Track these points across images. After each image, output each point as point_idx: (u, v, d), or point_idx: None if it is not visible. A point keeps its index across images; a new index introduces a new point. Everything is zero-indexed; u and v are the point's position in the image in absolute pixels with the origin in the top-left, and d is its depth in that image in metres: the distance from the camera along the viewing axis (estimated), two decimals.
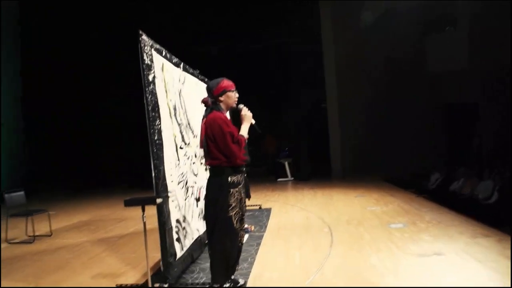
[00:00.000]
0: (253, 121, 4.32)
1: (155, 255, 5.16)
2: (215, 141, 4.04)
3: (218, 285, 4.13)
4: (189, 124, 5.80)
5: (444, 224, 7.15)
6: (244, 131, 4.21)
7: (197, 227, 5.79)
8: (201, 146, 4.19)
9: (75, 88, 17.72)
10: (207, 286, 4.53)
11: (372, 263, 5.18)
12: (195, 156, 5.98)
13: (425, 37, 16.53)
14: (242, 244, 4.43)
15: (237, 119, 4.34)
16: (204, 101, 4.27)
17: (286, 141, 17.65)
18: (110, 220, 9.67)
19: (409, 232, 6.64)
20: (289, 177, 16.05)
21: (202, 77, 6.96)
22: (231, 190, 4.10)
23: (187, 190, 5.47)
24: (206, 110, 4.24)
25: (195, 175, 5.89)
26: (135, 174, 15.73)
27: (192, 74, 6.42)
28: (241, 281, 4.55)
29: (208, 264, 4.40)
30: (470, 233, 6.43)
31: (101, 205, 12.32)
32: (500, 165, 11.92)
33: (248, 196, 6.95)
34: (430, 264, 4.99)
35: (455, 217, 7.77)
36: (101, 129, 18.15)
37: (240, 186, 4.21)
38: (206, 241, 5.89)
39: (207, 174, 4.33)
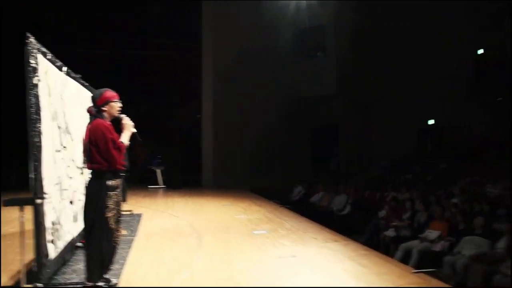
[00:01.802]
0: (134, 130, 4.59)
1: (25, 257, 5.14)
2: (97, 147, 4.24)
3: (92, 284, 4.32)
4: (67, 128, 5.86)
5: (302, 231, 7.91)
6: (124, 138, 4.47)
7: (69, 229, 5.83)
8: (84, 151, 4.39)
9: None
10: (80, 285, 4.66)
11: (237, 265, 5.67)
12: (72, 160, 6.04)
13: (299, 61, 17.77)
14: (117, 245, 4.65)
15: (119, 128, 4.58)
16: (88, 111, 4.47)
17: (159, 149, 17.74)
18: None
19: (271, 238, 7.26)
20: (161, 185, 16.20)
21: (83, 81, 7.01)
22: (110, 193, 4.32)
23: (62, 193, 5.52)
24: (90, 118, 4.45)
25: (70, 178, 5.94)
26: None
27: (74, 78, 6.47)
28: (114, 281, 4.75)
29: (79, 266, 4.54)
30: (323, 239, 7.23)
31: None
32: (353, 181, 13.32)
33: (124, 200, 7.12)
34: (287, 265, 5.60)
35: (312, 225, 8.61)
36: None
37: (118, 190, 4.46)
38: (77, 244, 5.98)
39: (82, 178, 4.51)
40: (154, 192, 14.97)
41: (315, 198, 11.94)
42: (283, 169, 16.04)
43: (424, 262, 7.19)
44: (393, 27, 18.91)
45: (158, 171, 16.31)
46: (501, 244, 6.42)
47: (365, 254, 6.15)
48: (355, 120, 18.29)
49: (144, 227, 8.31)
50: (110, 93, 4.49)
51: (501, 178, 11.51)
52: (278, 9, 17.11)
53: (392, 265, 5.67)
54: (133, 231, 7.79)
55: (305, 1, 17.44)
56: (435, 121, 19.95)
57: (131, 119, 4.58)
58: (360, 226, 9.86)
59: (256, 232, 7.79)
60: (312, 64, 18.07)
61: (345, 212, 10.59)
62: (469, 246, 6.72)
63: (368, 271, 5.27)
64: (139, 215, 9.54)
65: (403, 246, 7.71)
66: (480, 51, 20.55)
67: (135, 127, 4.59)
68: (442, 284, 5.07)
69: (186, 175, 16.90)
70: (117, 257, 5.75)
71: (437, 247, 7.25)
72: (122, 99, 4.61)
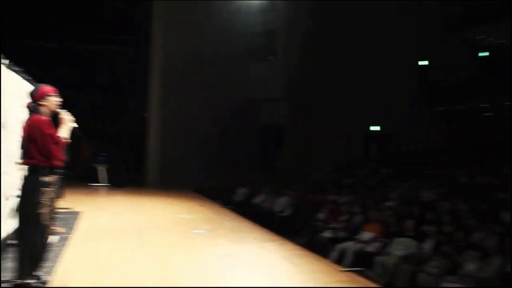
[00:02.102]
0: (74, 125, 4.54)
1: None
2: (35, 142, 4.16)
3: (21, 281, 4.24)
4: (3, 122, 5.71)
5: (241, 231, 8.03)
6: (62, 133, 4.41)
7: (4, 226, 5.69)
8: (22, 146, 4.32)
9: None
10: (10, 283, 4.56)
11: (174, 264, 5.69)
12: (7, 155, 5.90)
13: (249, 64, 17.93)
14: (50, 242, 4.58)
15: (57, 123, 4.53)
16: (27, 106, 4.41)
17: (103, 147, 17.43)
18: None
19: (210, 237, 7.33)
20: (104, 183, 15.92)
21: (25, 75, 6.84)
22: (44, 189, 4.23)
23: None
24: (29, 113, 4.38)
25: (6, 173, 5.81)
26: None
27: (16, 72, 6.31)
28: (45, 278, 4.67)
29: (9, 264, 4.47)
30: (261, 239, 7.37)
31: None
32: (297, 184, 13.57)
33: (61, 197, 6.99)
34: (224, 264, 5.68)
35: (252, 226, 8.74)
36: None
37: (54, 186, 4.37)
38: (10, 241, 5.83)
39: (19, 174, 4.43)
40: (97, 190, 14.72)
41: (258, 199, 12.08)
42: (229, 170, 16.11)
43: (358, 262, 7.46)
44: (344, 35, 19.38)
45: (102, 169, 16.02)
46: (427, 245, 6.76)
47: (299, 254, 6.34)
48: (302, 123, 18.60)
49: (82, 225, 8.17)
50: (47, 88, 4.43)
51: (436, 184, 12.06)
52: (229, 12, 17.22)
53: (323, 264, 5.87)
54: (70, 229, 7.66)
55: (256, 5, 17.66)
56: (380, 128, 20.57)
57: (74, 115, 4.53)
58: (300, 228, 10.06)
59: (196, 231, 7.84)
60: (262, 68, 18.27)
61: (286, 213, 10.78)
62: (399, 247, 7.02)
63: (299, 270, 5.44)
64: (77, 213, 9.38)
65: (339, 247, 7.94)
66: (425, 62, 21.43)
67: (78, 122, 4.56)
68: (367, 282, 5.31)
69: (131, 173, 16.69)
70: (51, 254, 5.67)
71: (371, 248, 7.53)
72: (67, 94, 4.57)
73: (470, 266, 5.82)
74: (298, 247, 6.95)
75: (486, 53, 23.52)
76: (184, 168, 16.36)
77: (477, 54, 23.38)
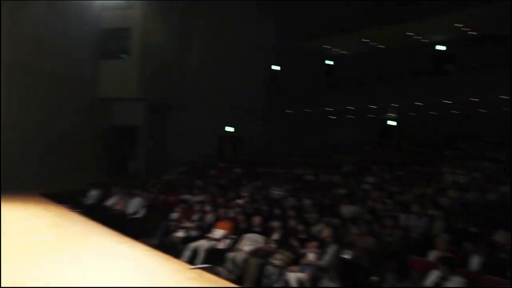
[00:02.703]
0: None
1: None
2: None
3: None
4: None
5: (88, 234, 7.76)
6: None
7: None
8: None
9: None
10: None
11: (17, 272, 5.31)
12: None
13: (101, 61, 17.24)
14: None
15: None
16: None
17: None
18: None
19: (54, 243, 6.97)
20: None
21: None
22: None
23: None
24: None
25: None
26: None
27: None
28: None
29: None
30: (110, 242, 7.21)
31: None
32: (150, 184, 13.45)
33: None
34: (70, 268, 5.47)
35: (101, 229, 8.48)
36: None
37: None
38: None
39: None
40: None
41: (109, 201, 11.72)
42: (80, 172, 15.37)
43: (211, 260, 7.65)
44: (200, 36, 19.67)
45: None
46: (274, 239, 7.18)
47: (149, 255, 6.32)
48: (156, 124, 18.46)
49: None
50: None
51: (285, 182, 12.80)
52: (81, 7, 16.48)
53: (173, 264, 5.94)
54: None
55: (111, 2, 17.11)
56: (234, 129, 21.18)
57: None
58: (153, 229, 10.00)
59: (39, 238, 7.39)
60: (115, 66, 17.68)
61: (139, 215, 10.63)
62: (248, 242, 7.35)
63: (148, 270, 5.44)
64: None
65: (191, 246, 8.05)
66: (277, 67, 22.58)
67: None
68: (214, 278, 5.51)
69: None
70: None
71: (222, 245, 7.77)
72: None
73: (311, 256, 6.32)
74: (149, 248, 6.92)
75: (331, 62, 25.67)
76: (28, 171, 15.17)
77: (325, 62, 25.38)
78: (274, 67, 22.83)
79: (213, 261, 7.59)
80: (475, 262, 5.55)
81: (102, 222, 9.34)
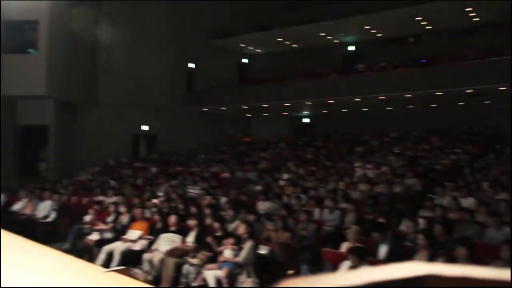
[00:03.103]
0: None
1: None
2: None
3: None
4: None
5: None
6: None
7: None
8: None
9: None
10: None
11: None
12: None
13: (4, 56, 16.04)
14: None
15: None
16: None
17: None
18: None
19: None
20: None
21: None
22: None
23: None
24: None
25: None
26: None
27: None
28: None
29: None
30: (17, 249, 6.82)
31: None
32: (61, 186, 12.91)
33: None
34: None
35: (6, 236, 7.99)
36: None
37: None
38: None
39: None
40: None
41: (17, 206, 11.09)
42: None
43: (127, 262, 7.48)
44: (114, 33, 19.05)
45: None
46: (190, 238, 7.16)
47: (60, 260, 6.05)
48: (67, 123, 17.70)
49: None
50: None
51: (201, 180, 12.77)
52: None
53: (84, 267, 5.74)
54: None
55: None
56: (149, 128, 20.82)
57: None
58: (65, 233, 9.61)
59: None
60: (21, 61, 16.51)
61: (50, 219, 10.16)
62: (165, 242, 7.28)
63: (59, 276, 5.22)
64: None
65: (106, 248, 7.84)
66: (192, 65, 22.47)
67: None
68: (129, 279, 5.39)
69: None
70: None
71: (138, 246, 7.62)
72: None
73: (227, 253, 6.37)
74: (59, 253, 6.62)
75: (246, 60, 25.99)
76: None
77: (240, 60, 25.63)
78: (190, 65, 22.70)
79: (129, 263, 7.44)
80: (382, 250, 5.85)
81: (8, 228, 8.82)
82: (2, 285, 3.88)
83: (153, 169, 15.78)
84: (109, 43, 18.96)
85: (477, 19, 18.92)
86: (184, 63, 22.38)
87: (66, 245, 9.00)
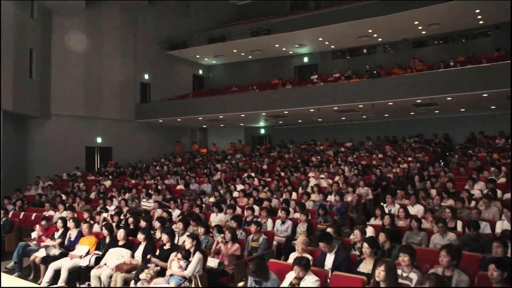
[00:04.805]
0: None
1: None
2: None
3: None
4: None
5: None
6: None
7: None
8: None
9: None
10: None
11: None
12: None
13: None
14: None
15: None
16: None
17: None
18: None
19: None
20: None
21: None
22: None
23: None
24: None
25: None
26: None
27: None
28: None
29: None
30: None
31: None
32: (7, 202, 12.50)
33: None
34: None
35: None
36: None
37: None
38: None
39: None
40: None
41: None
42: None
43: (74, 279, 7.29)
44: (66, 43, 18.68)
45: None
46: (138, 252, 7.06)
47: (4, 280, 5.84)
48: (18, 136, 17.15)
49: None
50: None
51: (156, 193, 12.63)
52: None
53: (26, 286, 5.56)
54: None
55: None
56: (102, 140, 20.52)
57: None
58: (11, 250, 9.29)
59: None
60: None
61: None
62: (113, 257, 7.12)
63: None
64: None
65: (53, 265, 7.60)
66: (146, 76, 22.32)
67: None
68: None
69: None
70: None
71: (85, 262, 7.43)
72: None
73: (175, 266, 6.30)
74: (5, 272, 6.40)
75: (201, 71, 26.04)
76: None
77: (196, 71, 25.64)
78: (145, 76, 22.52)
79: (77, 280, 7.26)
80: (329, 260, 5.92)
81: None
82: None
83: (107, 182, 15.46)
84: (63, 55, 18.56)
85: (424, 32, 19.63)
86: (140, 75, 22.19)
87: (11, 263, 8.72)
